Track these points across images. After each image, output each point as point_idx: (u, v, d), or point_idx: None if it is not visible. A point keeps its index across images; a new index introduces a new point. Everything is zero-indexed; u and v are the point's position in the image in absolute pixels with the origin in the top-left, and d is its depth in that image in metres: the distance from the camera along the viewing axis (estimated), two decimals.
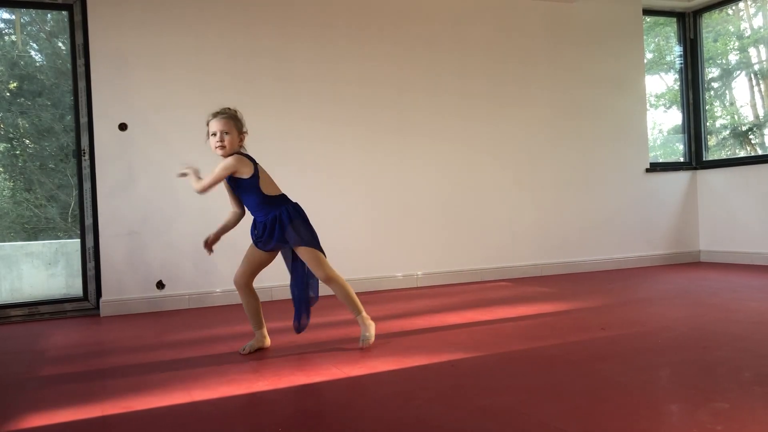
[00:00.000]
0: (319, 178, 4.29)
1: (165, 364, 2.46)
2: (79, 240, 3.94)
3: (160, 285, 3.89)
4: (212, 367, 2.38)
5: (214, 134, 2.50)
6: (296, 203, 2.63)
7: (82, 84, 3.84)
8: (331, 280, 2.57)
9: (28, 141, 4.57)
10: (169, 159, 3.93)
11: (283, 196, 2.60)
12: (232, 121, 2.53)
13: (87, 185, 3.85)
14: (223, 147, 2.50)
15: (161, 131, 3.92)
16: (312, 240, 2.57)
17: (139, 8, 3.88)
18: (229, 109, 2.58)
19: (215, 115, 2.54)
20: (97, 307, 3.85)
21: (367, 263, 4.37)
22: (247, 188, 2.53)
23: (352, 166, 4.37)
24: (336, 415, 1.77)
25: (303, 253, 2.56)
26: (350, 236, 4.33)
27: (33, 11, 4.51)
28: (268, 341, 2.67)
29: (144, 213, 3.87)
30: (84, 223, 3.87)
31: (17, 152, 4.59)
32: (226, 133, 2.50)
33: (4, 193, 4.60)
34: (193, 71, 3.99)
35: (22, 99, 4.49)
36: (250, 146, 4.22)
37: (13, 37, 4.56)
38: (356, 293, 4.38)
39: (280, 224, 2.52)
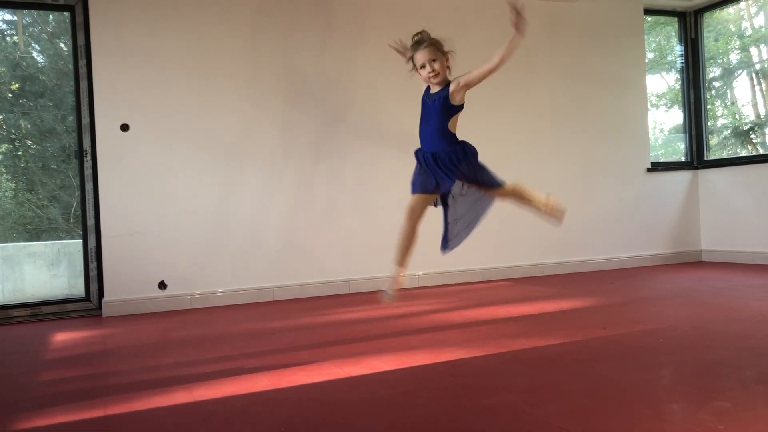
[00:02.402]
0: (318, 180, 4.29)
1: (167, 365, 2.46)
2: (81, 240, 3.95)
3: (162, 285, 3.90)
4: (214, 366, 2.38)
5: (423, 66, 2.50)
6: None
7: (84, 85, 3.85)
8: (507, 192, 2.58)
9: (30, 142, 4.58)
10: (170, 160, 3.94)
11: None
12: (435, 47, 2.52)
13: (89, 186, 3.86)
14: (436, 75, 2.50)
15: (163, 132, 3.92)
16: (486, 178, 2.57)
17: (141, 9, 3.89)
18: (422, 34, 2.54)
19: (415, 46, 2.52)
20: (100, 307, 3.86)
21: (368, 263, 4.37)
22: (451, 113, 2.54)
23: (352, 167, 4.37)
24: (337, 414, 1.78)
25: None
26: (351, 235, 4.33)
27: (35, 12, 4.52)
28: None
29: (146, 213, 3.88)
30: (86, 224, 3.87)
31: (19, 153, 4.60)
32: (434, 60, 2.49)
33: (6, 194, 4.62)
34: (196, 72, 4.00)
35: (24, 100, 4.50)
36: (253, 142, 4.20)
37: (15, 39, 4.57)
38: (356, 293, 4.39)
39: (457, 159, 2.54)
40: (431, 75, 2.51)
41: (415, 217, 2.61)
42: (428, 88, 2.63)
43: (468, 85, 2.53)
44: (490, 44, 4.75)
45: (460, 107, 2.57)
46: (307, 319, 3.35)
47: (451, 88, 2.52)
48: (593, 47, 5.13)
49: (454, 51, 2.60)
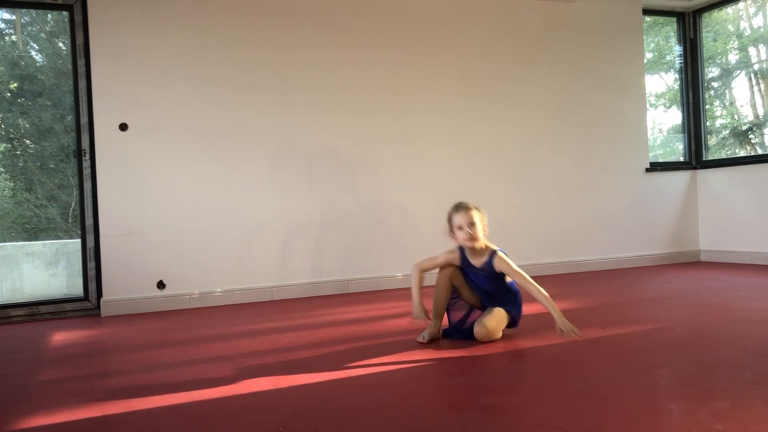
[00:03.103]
0: (317, 179, 4.29)
1: (166, 364, 2.46)
2: (79, 240, 3.94)
3: (161, 285, 3.89)
4: (213, 366, 2.38)
5: (461, 228, 2.60)
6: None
7: (82, 84, 3.84)
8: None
9: (28, 141, 4.57)
10: (169, 159, 3.94)
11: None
12: (475, 211, 2.63)
13: (87, 185, 3.85)
14: (473, 239, 2.59)
15: (162, 131, 3.92)
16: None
17: (140, 8, 3.88)
18: (465, 202, 2.68)
19: (457, 209, 2.64)
20: (98, 307, 3.85)
21: (367, 263, 4.38)
22: (497, 279, 2.64)
23: (352, 167, 4.37)
24: (337, 414, 1.78)
25: (495, 312, 2.63)
26: (350, 237, 4.33)
27: (33, 11, 4.51)
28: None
29: (144, 213, 3.87)
30: (85, 223, 3.87)
31: (18, 152, 4.59)
32: (472, 224, 2.59)
33: (4, 193, 4.61)
34: (194, 71, 3.99)
35: (23, 99, 4.49)
36: (252, 141, 4.21)
37: (14, 38, 4.56)
38: (356, 293, 4.39)
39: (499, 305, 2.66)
40: (467, 238, 2.59)
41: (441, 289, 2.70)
42: (465, 256, 2.69)
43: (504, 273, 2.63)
44: (490, 44, 4.77)
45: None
46: (306, 319, 3.35)
47: (496, 266, 2.61)
48: (592, 47, 5.13)
49: (487, 214, 2.70)
